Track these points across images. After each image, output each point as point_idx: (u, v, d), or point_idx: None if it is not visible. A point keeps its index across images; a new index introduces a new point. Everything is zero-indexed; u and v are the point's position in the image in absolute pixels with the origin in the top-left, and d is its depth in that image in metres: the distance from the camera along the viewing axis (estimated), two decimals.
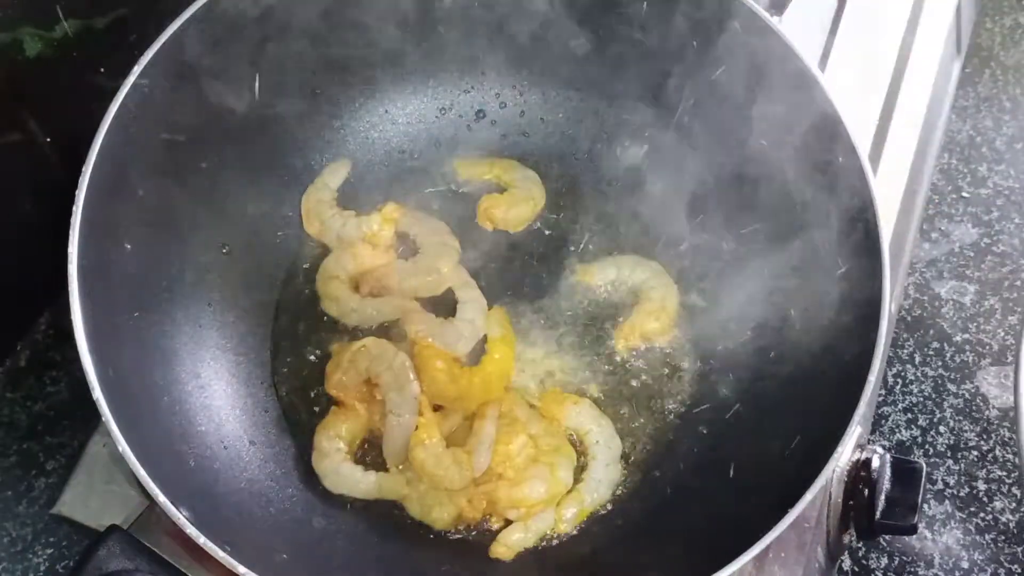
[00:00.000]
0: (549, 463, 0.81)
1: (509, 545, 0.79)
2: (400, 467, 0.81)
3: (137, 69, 0.74)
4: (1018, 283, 1.20)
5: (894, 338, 1.15)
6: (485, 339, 0.87)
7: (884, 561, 1.03)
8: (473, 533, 0.81)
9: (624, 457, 0.85)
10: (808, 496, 0.69)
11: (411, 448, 0.79)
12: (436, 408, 0.83)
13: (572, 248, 0.93)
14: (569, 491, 0.82)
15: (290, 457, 0.83)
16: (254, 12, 0.80)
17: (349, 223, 0.90)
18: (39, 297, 0.96)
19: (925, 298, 1.18)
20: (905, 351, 1.15)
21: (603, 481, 0.83)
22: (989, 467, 1.08)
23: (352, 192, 0.93)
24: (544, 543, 0.81)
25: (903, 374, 1.14)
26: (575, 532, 0.82)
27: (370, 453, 0.83)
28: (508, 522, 0.81)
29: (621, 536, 0.82)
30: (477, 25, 0.92)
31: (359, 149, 0.95)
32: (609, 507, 0.83)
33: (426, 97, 0.96)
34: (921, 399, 1.12)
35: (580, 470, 0.84)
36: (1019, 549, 1.04)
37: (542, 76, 0.96)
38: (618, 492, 0.84)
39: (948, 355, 1.15)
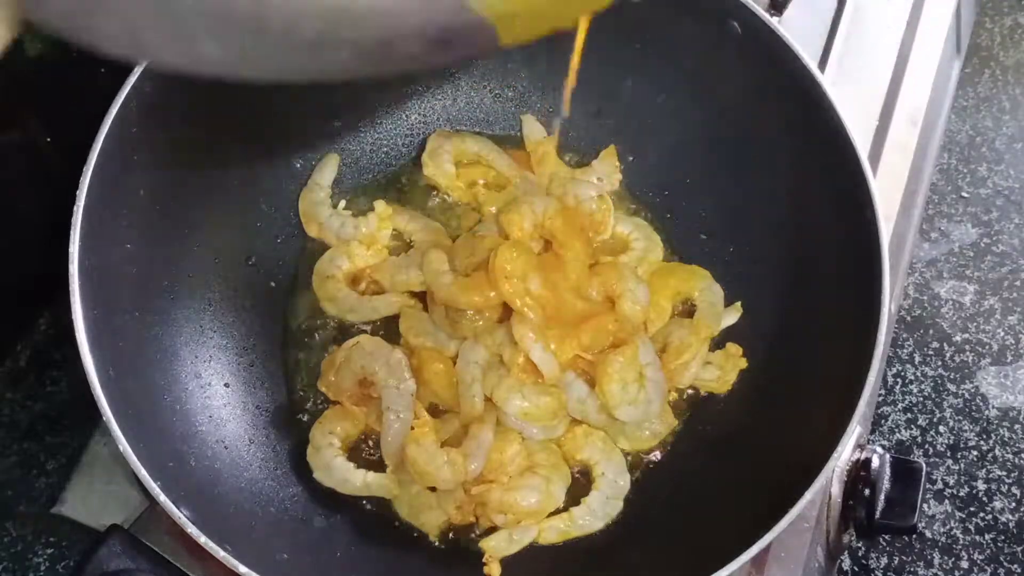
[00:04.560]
0: (545, 476, 0.81)
1: (491, 551, 0.79)
2: (393, 469, 0.81)
3: (138, 70, 0.74)
4: (1018, 283, 1.20)
5: (894, 338, 1.15)
6: None
7: (884, 561, 1.04)
8: (469, 536, 0.81)
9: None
10: (807, 496, 0.69)
11: (405, 445, 0.79)
12: (435, 412, 0.83)
13: None
14: (563, 509, 0.82)
15: (290, 457, 0.83)
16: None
17: (347, 223, 0.90)
18: (39, 297, 0.96)
19: (925, 298, 1.19)
20: (905, 351, 1.15)
21: (598, 512, 0.82)
22: (988, 467, 1.08)
23: (352, 192, 0.93)
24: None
25: (903, 374, 1.14)
26: None
27: (372, 454, 0.84)
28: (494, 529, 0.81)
29: (618, 534, 0.82)
30: None
31: (359, 148, 0.95)
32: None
33: (425, 95, 0.96)
34: (921, 399, 1.12)
35: (582, 494, 0.83)
36: (1019, 549, 1.04)
37: (544, 78, 0.96)
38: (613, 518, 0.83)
39: (948, 355, 1.15)
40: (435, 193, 0.94)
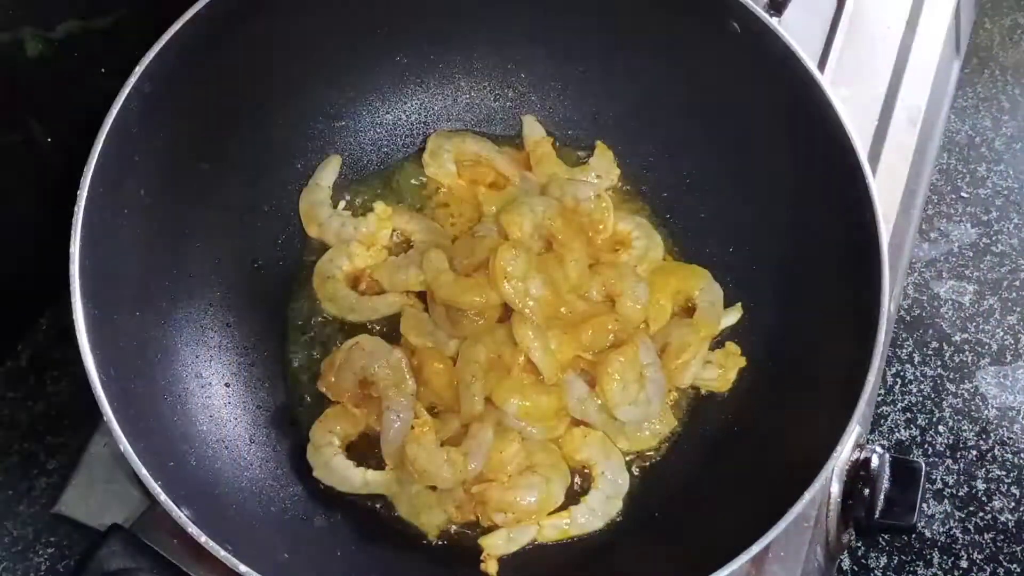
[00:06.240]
0: (545, 476, 0.81)
1: (489, 549, 0.79)
2: (393, 468, 0.81)
3: (138, 70, 0.74)
4: (1017, 283, 1.20)
5: (893, 338, 1.15)
6: None
7: (883, 560, 1.04)
8: (469, 535, 0.81)
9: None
10: (807, 496, 0.69)
11: (405, 444, 0.79)
12: (434, 412, 0.83)
13: None
14: (563, 507, 0.82)
15: (291, 457, 0.83)
16: (251, 13, 0.81)
17: (347, 223, 0.90)
18: (39, 297, 0.96)
19: (924, 298, 1.19)
20: (904, 351, 1.15)
21: (598, 512, 0.82)
22: (988, 466, 1.08)
23: (352, 192, 0.93)
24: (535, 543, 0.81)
25: (902, 374, 1.14)
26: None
27: (370, 454, 0.84)
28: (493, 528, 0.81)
29: (618, 534, 0.82)
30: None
31: (359, 148, 0.95)
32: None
33: (425, 96, 0.96)
34: (920, 399, 1.13)
35: (582, 493, 0.83)
36: (1018, 548, 1.04)
37: (544, 78, 0.96)
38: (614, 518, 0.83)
39: (947, 355, 1.15)
40: (435, 193, 0.94)
